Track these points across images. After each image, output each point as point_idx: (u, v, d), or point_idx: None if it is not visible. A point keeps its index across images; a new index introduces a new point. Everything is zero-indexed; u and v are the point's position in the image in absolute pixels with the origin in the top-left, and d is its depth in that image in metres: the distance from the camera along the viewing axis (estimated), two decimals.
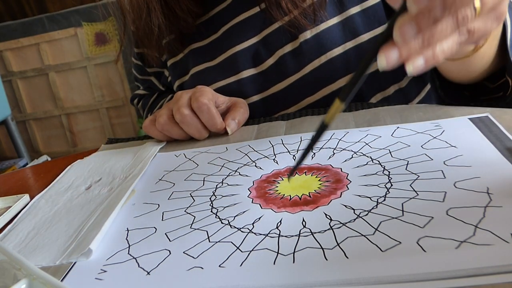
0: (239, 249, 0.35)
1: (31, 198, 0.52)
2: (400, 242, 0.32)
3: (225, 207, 0.42)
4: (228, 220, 0.39)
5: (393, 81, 0.65)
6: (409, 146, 0.46)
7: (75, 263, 0.37)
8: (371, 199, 0.38)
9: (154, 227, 0.41)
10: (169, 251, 0.37)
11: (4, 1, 2.52)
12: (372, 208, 0.37)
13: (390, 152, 0.46)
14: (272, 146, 0.54)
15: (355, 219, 0.36)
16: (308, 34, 0.63)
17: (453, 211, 0.34)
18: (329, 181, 0.43)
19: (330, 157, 0.48)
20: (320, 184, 0.42)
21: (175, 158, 0.56)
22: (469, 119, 0.49)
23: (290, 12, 0.62)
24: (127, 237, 0.40)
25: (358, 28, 0.62)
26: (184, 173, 0.51)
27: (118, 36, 2.34)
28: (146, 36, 0.69)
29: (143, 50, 0.76)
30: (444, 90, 0.59)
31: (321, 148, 0.50)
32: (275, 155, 0.51)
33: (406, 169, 0.42)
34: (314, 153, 0.49)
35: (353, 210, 0.37)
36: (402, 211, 0.36)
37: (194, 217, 0.41)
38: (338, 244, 0.33)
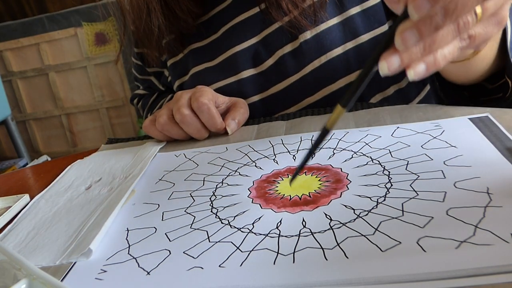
0: (239, 249, 0.35)
1: (31, 198, 0.52)
2: (400, 242, 0.32)
3: (225, 207, 0.42)
4: (228, 220, 0.39)
5: (393, 81, 0.65)
6: (409, 146, 0.46)
7: (75, 263, 0.37)
8: (371, 199, 0.38)
9: (154, 227, 0.41)
10: (169, 251, 0.37)
11: (4, 1, 2.53)
12: (372, 208, 0.37)
13: (390, 152, 0.46)
14: (272, 146, 0.54)
15: (355, 219, 0.36)
16: (308, 35, 0.63)
17: (453, 211, 0.34)
18: (329, 181, 0.43)
19: (330, 157, 0.48)
20: (320, 184, 0.42)
21: (175, 158, 0.56)
22: (469, 119, 0.49)
23: (290, 12, 0.62)
24: (127, 237, 0.40)
25: (358, 29, 0.62)
26: (184, 173, 0.51)
27: (118, 36, 2.34)
28: (146, 37, 0.69)
29: (143, 50, 0.76)
30: (444, 91, 0.59)
31: (321, 148, 0.50)
32: (275, 155, 0.51)
33: (406, 169, 0.42)
34: (314, 153, 0.49)
35: (353, 210, 0.37)
36: (402, 211, 0.36)
37: (194, 217, 0.41)
38: (338, 244, 0.33)
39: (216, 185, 0.47)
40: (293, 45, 0.64)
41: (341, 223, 0.36)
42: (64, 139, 2.72)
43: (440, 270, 0.28)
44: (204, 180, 0.49)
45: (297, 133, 0.56)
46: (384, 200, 0.38)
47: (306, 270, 0.31)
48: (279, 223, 0.37)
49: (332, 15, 0.63)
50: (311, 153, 0.38)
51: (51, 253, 0.40)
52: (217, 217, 0.40)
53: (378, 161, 0.45)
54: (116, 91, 2.54)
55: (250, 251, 0.34)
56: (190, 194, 0.46)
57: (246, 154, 0.53)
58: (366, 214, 0.36)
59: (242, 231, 0.37)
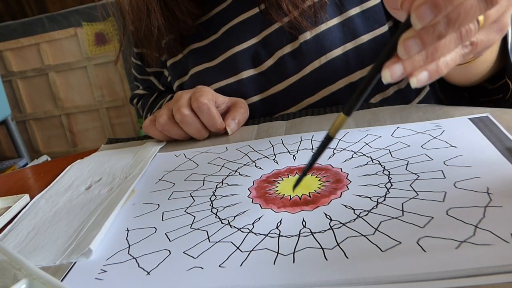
0: (239, 249, 0.35)
1: (31, 198, 0.52)
2: (400, 242, 0.32)
3: (225, 207, 0.42)
4: (228, 220, 0.39)
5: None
6: (409, 146, 0.46)
7: (75, 263, 0.37)
8: (371, 199, 0.38)
9: (154, 227, 0.41)
10: (169, 251, 0.37)
11: (4, 1, 2.52)
12: (372, 208, 0.37)
13: (390, 152, 0.46)
14: (272, 146, 0.54)
15: (355, 219, 0.36)
16: (308, 35, 0.63)
17: (453, 211, 0.34)
18: (329, 181, 0.43)
19: (330, 157, 0.48)
20: (320, 184, 0.42)
21: (175, 158, 0.56)
22: (469, 119, 0.49)
23: (290, 13, 0.62)
24: (127, 237, 0.40)
25: (358, 29, 0.62)
26: (184, 173, 0.51)
27: (118, 36, 2.34)
28: (146, 37, 0.69)
29: (143, 50, 0.76)
30: (444, 92, 0.59)
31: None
32: (275, 155, 0.51)
33: (406, 169, 0.42)
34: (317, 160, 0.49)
35: (353, 210, 0.37)
36: (402, 211, 0.36)
37: (194, 217, 0.41)
38: (338, 244, 0.33)
39: (216, 185, 0.47)
40: (293, 46, 0.64)
41: (341, 223, 0.36)
42: (64, 139, 2.72)
43: (440, 270, 0.28)
44: (204, 180, 0.49)
45: (297, 133, 0.56)
46: (384, 200, 0.38)
47: (306, 270, 0.31)
48: (279, 223, 0.37)
49: (332, 15, 0.63)
50: (314, 160, 0.38)
51: (51, 253, 0.40)
52: (217, 217, 0.40)
53: (378, 161, 0.45)
54: (116, 91, 2.54)
55: (250, 251, 0.34)
56: (190, 194, 0.46)
57: (246, 154, 0.53)
58: (366, 214, 0.36)
59: (242, 231, 0.37)
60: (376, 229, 0.34)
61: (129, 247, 0.38)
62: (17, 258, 0.30)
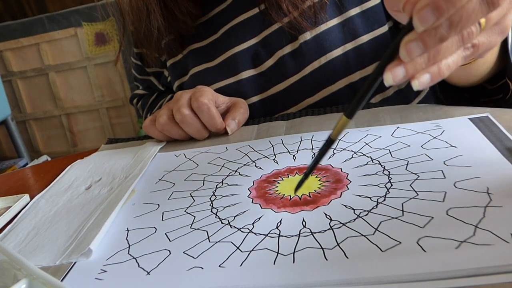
0: (239, 249, 0.35)
1: (31, 198, 0.52)
2: (400, 242, 0.32)
3: (225, 207, 0.42)
4: (228, 220, 0.39)
5: None
6: (409, 146, 0.46)
7: (75, 263, 0.37)
8: (371, 199, 0.38)
9: (154, 227, 0.41)
10: (169, 251, 0.37)
11: (4, 1, 2.53)
12: (372, 208, 0.37)
13: (390, 152, 0.46)
14: (272, 146, 0.54)
15: (355, 219, 0.36)
16: (307, 35, 0.63)
17: (453, 211, 0.34)
18: (329, 181, 0.43)
19: (330, 157, 0.48)
20: (320, 184, 0.42)
21: (175, 158, 0.56)
22: (469, 119, 0.49)
23: (290, 13, 0.62)
24: (127, 237, 0.40)
25: (357, 30, 0.62)
26: (184, 173, 0.51)
27: (118, 36, 2.34)
28: (145, 38, 0.69)
29: (142, 50, 0.76)
30: (444, 93, 0.59)
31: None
32: (275, 155, 0.51)
33: (406, 169, 0.42)
34: (314, 153, 0.49)
35: (353, 210, 0.37)
36: (402, 211, 0.36)
37: (194, 217, 0.41)
38: (338, 244, 0.33)
39: (216, 185, 0.47)
40: (293, 46, 0.64)
41: (341, 223, 0.36)
42: (64, 139, 2.72)
43: (440, 270, 0.28)
44: (204, 180, 0.49)
45: (297, 133, 0.56)
46: (384, 200, 0.38)
47: (306, 270, 0.31)
48: (279, 223, 0.37)
49: (331, 16, 0.63)
50: (316, 162, 0.38)
51: (51, 253, 0.40)
52: (217, 217, 0.40)
53: (378, 161, 0.45)
54: (116, 91, 2.54)
55: (250, 251, 0.34)
56: (190, 194, 0.46)
57: (246, 154, 0.53)
58: (366, 214, 0.36)
59: (242, 231, 0.37)
60: (376, 229, 0.34)
61: (129, 247, 0.38)
62: (17, 258, 0.30)
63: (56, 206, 0.49)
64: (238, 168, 0.50)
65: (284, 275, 0.31)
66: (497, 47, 0.50)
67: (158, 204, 0.45)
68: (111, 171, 0.55)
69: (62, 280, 0.36)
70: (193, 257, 0.35)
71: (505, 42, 0.50)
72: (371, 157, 0.46)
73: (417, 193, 0.38)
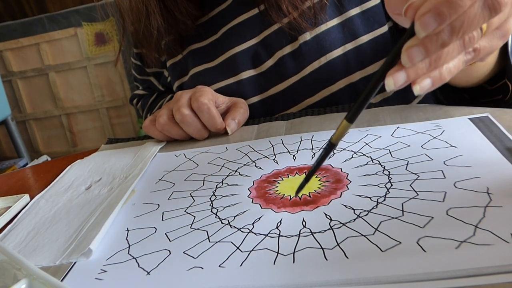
0: (239, 249, 0.35)
1: (31, 198, 0.52)
2: (400, 242, 0.32)
3: (225, 207, 0.42)
4: (228, 220, 0.39)
5: None
6: (409, 146, 0.46)
7: (75, 263, 0.37)
8: (371, 199, 0.38)
9: (154, 227, 0.41)
10: (169, 251, 0.37)
11: (4, 1, 2.53)
12: (372, 208, 0.37)
13: (390, 152, 0.46)
14: (272, 146, 0.54)
15: (355, 219, 0.36)
16: (307, 36, 0.63)
17: (453, 211, 0.34)
18: (329, 181, 0.43)
19: (330, 157, 0.48)
20: (320, 184, 0.42)
21: (175, 158, 0.56)
22: (469, 119, 0.49)
23: (289, 14, 0.61)
24: (127, 237, 0.40)
25: (357, 30, 0.62)
26: (184, 173, 0.51)
27: (118, 36, 2.34)
28: (145, 38, 0.69)
29: (142, 50, 0.76)
30: (443, 93, 0.59)
31: (321, 148, 0.50)
32: (275, 155, 0.51)
33: (406, 169, 0.42)
34: (314, 153, 0.49)
35: (353, 210, 0.37)
36: (402, 211, 0.36)
37: (194, 217, 0.41)
38: (338, 244, 0.33)
39: (216, 185, 0.47)
40: (293, 46, 0.64)
41: (341, 223, 0.36)
42: (64, 139, 2.72)
43: (440, 270, 0.28)
44: (204, 180, 0.49)
45: (297, 133, 0.56)
46: (384, 200, 0.38)
47: (306, 270, 0.31)
48: (279, 223, 0.37)
49: (331, 16, 0.63)
50: (317, 166, 0.38)
51: (51, 253, 0.40)
52: (217, 217, 0.40)
53: (378, 161, 0.45)
54: (116, 91, 2.54)
55: (250, 251, 0.34)
56: (190, 194, 0.46)
57: (246, 154, 0.53)
58: (366, 214, 0.36)
59: (242, 231, 0.37)
60: (376, 229, 0.34)
61: (129, 247, 0.38)
62: (17, 258, 0.30)
63: (56, 206, 0.49)
64: (238, 168, 0.50)
65: (284, 275, 0.31)
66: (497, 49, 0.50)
67: (158, 204, 0.45)
68: (111, 171, 0.55)
69: (62, 280, 0.36)
70: (193, 257, 0.35)
71: (505, 44, 0.50)
72: (371, 157, 0.46)
73: (417, 193, 0.38)
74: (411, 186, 0.39)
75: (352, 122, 0.35)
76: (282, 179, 0.45)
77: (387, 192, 0.39)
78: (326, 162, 0.47)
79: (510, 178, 0.37)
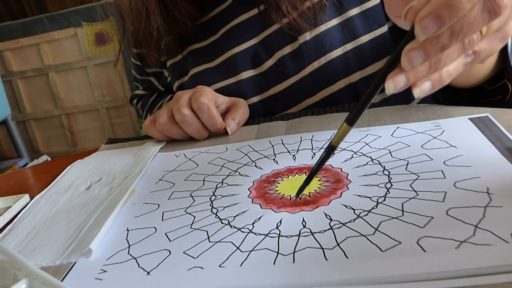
0: (239, 249, 0.35)
1: (31, 198, 0.52)
2: (400, 242, 0.32)
3: (225, 207, 0.42)
4: (228, 220, 0.39)
5: None
6: (409, 146, 0.46)
7: (75, 263, 0.37)
8: (371, 199, 0.38)
9: (154, 227, 0.41)
10: (169, 251, 0.37)
11: (4, 1, 2.53)
12: (372, 208, 0.37)
13: (390, 152, 0.46)
14: (272, 146, 0.54)
15: (355, 219, 0.36)
16: (307, 36, 0.63)
17: (453, 211, 0.34)
18: (329, 181, 0.43)
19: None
20: (320, 184, 0.42)
21: (175, 158, 0.56)
22: (469, 119, 0.49)
23: (289, 14, 0.61)
24: (127, 237, 0.40)
25: (357, 30, 0.62)
26: (184, 173, 0.51)
27: (118, 36, 2.34)
28: (145, 39, 0.69)
29: (142, 51, 0.76)
30: (443, 94, 0.59)
31: (321, 148, 0.50)
32: (275, 155, 0.51)
33: (406, 169, 0.42)
34: (314, 153, 0.49)
35: (353, 210, 0.37)
36: (402, 211, 0.36)
37: (194, 217, 0.41)
38: (338, 244, 0.33)
39: (216, 185, 0.47)
40: (293, 47, 0.64)
41: (341, 223, 0.36)
42: (64, 139, 2.72)
43: (440, 270, 0.28)
44: (204, 180, 0.49)
45: (297, 133, 0.56)
46: (384, 200, 0.38)
47: (306, 270, 0.31)
48: (279, 223, 0.37)
49: (331, 16, 0.63)
50: (317, 169, 0.38)
51: (51, 253, 0.40)
52: (217, 217, 0.40)
53: (378, 161, 0.45)
54: (116, 91, 2.54)
55: (250, 251, 0.34)
56: (190, 194, 0.46)
57: (246, 154, 0.53)
58: (366, 214, 0.36)
59: (242, 231, 0.37)
60: (376, 229, 0.34)
61: (129, 247, 0.38)
62: (17, 258, 0.30)
63: (56, 206, 0.49)
64: (238, 168, 0.50)
65: (284, 275, 0.31)
66: None
67: (158, 204, 0.45)
68: (111, 171, 0.55)
69: (62, 280, 0.36)
70: (193, 257, 0.35)
71: (504, 45, 0.50)
72: (371, 157, 0.46)
73: (417, 193, 0.38)
74: (411, 186, 0.39)
75: (352, 125, 0.35)
76: (282, 179, 0.45)
77: (387, 192, 0.39)
78: (326, 162, 0.47)
79: (510, 178, 0.37)
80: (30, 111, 2.67)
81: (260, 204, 0.41)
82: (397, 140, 0.48)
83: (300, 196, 0.41)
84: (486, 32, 0.33)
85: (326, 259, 0.32)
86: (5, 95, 2.18)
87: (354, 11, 0.63)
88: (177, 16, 0.66)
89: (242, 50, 0.66)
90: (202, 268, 0.34)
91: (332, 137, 0.37)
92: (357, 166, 0.45)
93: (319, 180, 0.43)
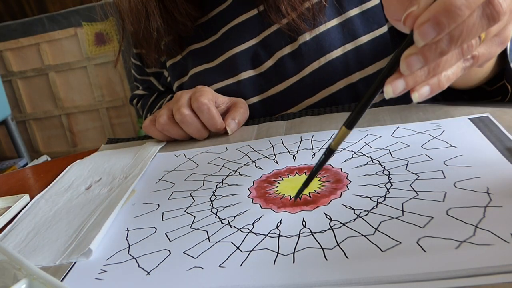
0: (239, 249, 0.35)
1: (31, 198, 0.52)
2: (400, 242, 0.32)
3: (225, 207, 0.42)
4: (228, 220, 0.39)
5: None
6: (409, 146, 0.46)
7: (75, 263, 0.37)
8: (371, 199, 0.38)
9: (154, 227, 0.41)
10: (169, 251, 0.37)
11: (4, 1, 2.53)
12: (372, 208, 0.37)
13: (390, 152, 0.46)
14: (272, 146, 0.54)
15: (355, 219, 0.36)
16: (307, 36, 0.63)
17: (453, 211, 0.34)
18: (329, 181, 0.43)
19: None
20: (320, 184, 0.42)
21: (175, 158, 0.56)
22: (469, 119, 0.49)
23: (288, 15, 0.61)
24: (127, 237, 0.40)
25: (357, 30, 0.62)
26: (184, 173, 0.51)
27: (118, 36, 2.34)
28: (145, 39, 0.69)
29: (142, 51, 0.76)
30: (442, 95, 0.59)
31: (321, 148, 0.50)
32: (275, 155, 0.51)
33: (406, 169, 0.42)
34: (314, 153, 0.49)
35: (353, 210, 0.37)
36: (402, 211, 0.36)
37: (194, 217, 0.41)
38: (338, 244, 0.33)
39: (216, 185, 0.47)
40: (292, 47, 0.64)
41: (341, 223, 0.36)
42: (64, 139, 2.72)
43: (440, 270, 0.28)
44: (204, 180, 0.49)
45: (297, 133, 0.56)
46: (384, 200, 0.38)
47: (306, 270, 0.31)
48: (279, 223, 0.37)
49: (331, 17, 0.63)
50: (316, 172, 0.38)
51: (51, 253, 0.40)
52: (217, 217, 0.40)
53: (378, 161, 0.45)
54: (116, 91, 2.54)
55: (250, 251, 0.34)
56: (190, 194, 0.46)
57: (246, 154, 0.53)
58: (366, 214, 0.36)
59: (242, 231, 0.37)
60: (376, 229, 0.34)
61: (129, 247, 0.38)
62: (17, 258, 0.30)
63: (56, 206, 0.49)
64: (238, 168, 0.50)
65: (284, 275, 0.31)
66: None
67: (158, 204, 0.45)
68: (111, 171, 0.56)
69: (62, 280, 0.36)
70: (193, 257, 0.35)
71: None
72: (371, 157, 0.46)
73: (417, 193, 0.38)
74: (411, 186, 0.39)
75: (351, 128, 0.36)
76: (282, 179, 0.45)
77: (387, 192, 0.39)
78: (326, 162, 0.47)
79: (510, 178, 0.37)
80: (30, 111, 2.67)
81: (260, 204, 0.41)
82: (397, 140, 0.48)
83: (300, 196, 0.41)
84: (485, 37, 0.33)
85: (326, 259, 0.32)
86: (5, 95, 2.18)
87: (353, 12, 0.63)
88: (176, 16, 0.66)
89: (242, 51, 0.66)
90: (202, 268, 0.34)
91: (331, 140, 0.37)
92: (357, 166, 0.45)
93: (319, 180, 0.43)
